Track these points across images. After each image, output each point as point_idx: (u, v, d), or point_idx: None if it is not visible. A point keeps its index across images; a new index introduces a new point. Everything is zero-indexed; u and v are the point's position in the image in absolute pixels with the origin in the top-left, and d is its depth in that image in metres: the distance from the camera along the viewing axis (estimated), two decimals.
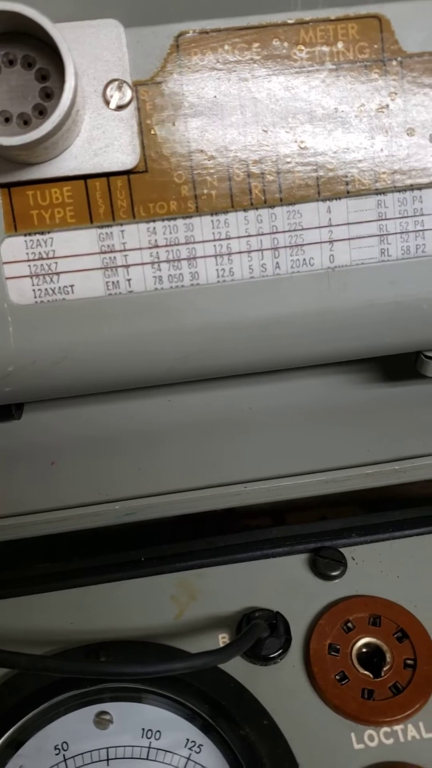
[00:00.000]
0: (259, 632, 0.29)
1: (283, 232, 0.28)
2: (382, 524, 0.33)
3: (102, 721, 0.29)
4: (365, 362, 0.39)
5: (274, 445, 0.36)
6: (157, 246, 0.28)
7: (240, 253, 0.28)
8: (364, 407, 0.38)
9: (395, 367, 0.38)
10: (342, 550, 0.32)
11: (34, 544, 0.33)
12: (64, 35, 0.23)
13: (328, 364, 0.36)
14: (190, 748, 0.28)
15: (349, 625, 0.30)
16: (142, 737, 0.28)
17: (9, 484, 0.34)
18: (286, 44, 0.27)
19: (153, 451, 0.35)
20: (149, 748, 0.28)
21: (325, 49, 0.27)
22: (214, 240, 0.28)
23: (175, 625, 0.31)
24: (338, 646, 0.30)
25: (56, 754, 0.27)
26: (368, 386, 0.38)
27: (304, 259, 0.28)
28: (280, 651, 0.29)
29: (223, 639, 0.30)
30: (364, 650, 0.30)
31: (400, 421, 0.36)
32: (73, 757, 0.28)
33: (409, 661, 0.29)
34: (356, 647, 0.30)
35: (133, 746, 0.28)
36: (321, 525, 0.33)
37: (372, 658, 0.30)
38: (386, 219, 0.28)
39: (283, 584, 0.32)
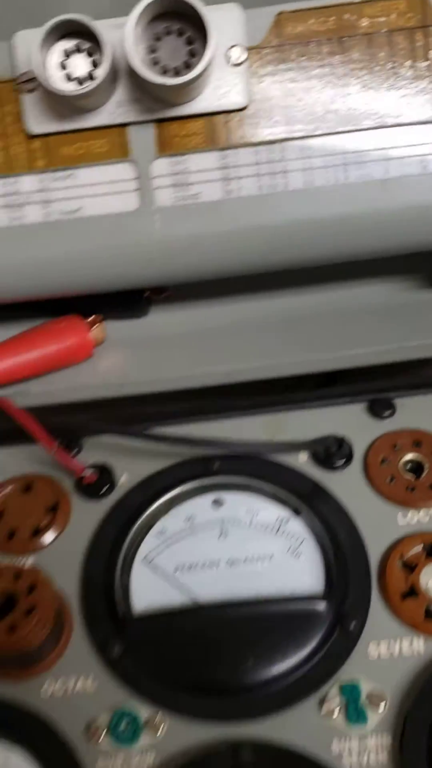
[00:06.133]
0: (330, 444, 0.40)
1: None
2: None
3: (217, 504, 0.40)
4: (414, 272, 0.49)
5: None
6: (259, 163, 0.39)
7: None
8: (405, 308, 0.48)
9: None
10: (395, 401, 0.43)
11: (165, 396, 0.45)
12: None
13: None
14: (280, 521, 0.39)
15: (397, 446, 0.40)
16: (246, 513, 0.39)
17: (150, 357, 0.45)
18: (354, 17, 0.37)
19: (246, 337, 0.47)
20: (251, 521, 0.39)
21: (382, 19, 0.37)
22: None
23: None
24: (388, 459, 0.40)
25: (185, 521, 0.39)
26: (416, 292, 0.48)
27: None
28: (344, 461, 0.40)
29: (301, 457, 0.41)
30: (408, 464, 0.40)
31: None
32: (198, 524, 0.39)
33: None
34: (402, 461, 0.40)
35: (240, 518, 0.39)
36: (378, 384, 0.44)
37: (415, 470, 0.40)
38: None
39: (349, 422, 0.42)
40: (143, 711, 0.33)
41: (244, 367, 0.44)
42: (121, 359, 0.46)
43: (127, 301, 0.47)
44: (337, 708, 0.32)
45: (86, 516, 0.40)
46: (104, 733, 0.32)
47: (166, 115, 0.38)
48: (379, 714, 0.32)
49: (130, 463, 0.42)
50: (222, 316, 0.48)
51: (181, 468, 0.41)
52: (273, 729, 0.32)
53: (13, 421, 0.41)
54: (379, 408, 0.42)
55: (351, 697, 0.32)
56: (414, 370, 0.44)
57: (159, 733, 0.32)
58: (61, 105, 0.38)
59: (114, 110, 0.38)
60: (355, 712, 0.32)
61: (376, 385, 0.44)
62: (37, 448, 0.42)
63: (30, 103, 0.38)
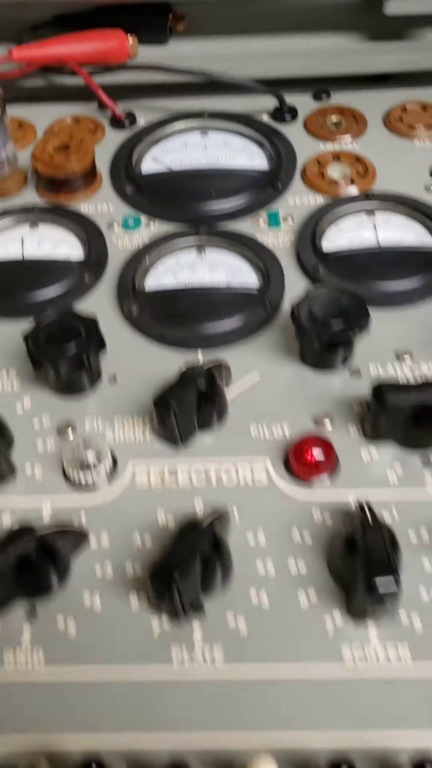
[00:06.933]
0: (284, 101, 0.59)
1: None
2: None
3: (204, 136, 0.59)
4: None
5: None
6: None
7: None
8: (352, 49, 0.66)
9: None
10: (330, 92, 0.62)
11: None
12: None
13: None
14: (246, 147, 0.58)
15: (327, 113, 0.60)
16: (222, 143, 0.58)
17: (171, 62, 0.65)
18: None
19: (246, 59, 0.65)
20: (225, 145, 0.58)
21: None
22: None
23: None
24: (320, 120, 0.59)
25: (181, 146, 0.58)
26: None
27: None
28: (291, 117, 0.59)
29: (265, 115, 0.60)
30: (333, 124, 0.59)
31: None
32: (189, 145, 0.58)
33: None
34: (328, 121, 0.59)
35: (218, 144, 0.58)
36: (321, 84, 0.63)
37: (335, 125, 0.59)
38: None
39: (297, 101, 0.61)
40: (143, 218, 0.53)
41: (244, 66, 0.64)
42: (146, 63, 0.66)
43: (154, 26, 0.66)
44: (263, 220, 0.52)
45: (115, 138, 0.60)
46: (117, 225, 0.52)
47: None
48: (288, 225, 0.52)
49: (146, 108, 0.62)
50: (225, 49, 0.67)
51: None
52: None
53: (76, 79, 0.61)
54: (319, 93, 0.62)
55: (272, 216, 0.52)
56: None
57: (151, 231, 0.52)
58: None
59: None
60: (274, 221, 0.52)
61: (319, 84, 0.63)
62: (85, 108, 0.62)
63: None
